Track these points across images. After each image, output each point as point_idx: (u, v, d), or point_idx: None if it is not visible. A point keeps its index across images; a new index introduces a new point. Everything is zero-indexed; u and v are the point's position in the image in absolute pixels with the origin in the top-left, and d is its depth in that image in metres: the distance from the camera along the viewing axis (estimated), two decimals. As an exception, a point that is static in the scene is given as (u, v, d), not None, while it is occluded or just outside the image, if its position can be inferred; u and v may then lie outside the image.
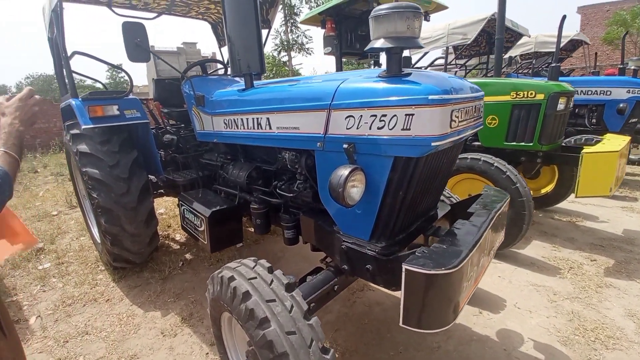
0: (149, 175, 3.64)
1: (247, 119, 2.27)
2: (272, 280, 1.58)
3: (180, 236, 4.58)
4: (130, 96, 3.36)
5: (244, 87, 2.41)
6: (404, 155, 1.51)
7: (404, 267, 1.35)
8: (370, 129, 1.55)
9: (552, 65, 4.01)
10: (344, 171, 1.49)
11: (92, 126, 3.02)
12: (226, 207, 2.58)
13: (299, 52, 23.34)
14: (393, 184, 1.62)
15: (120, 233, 3.10)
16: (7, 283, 3.56)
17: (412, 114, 1.41)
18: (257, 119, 2.18)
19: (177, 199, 3.61)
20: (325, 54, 6.01)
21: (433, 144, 1.40)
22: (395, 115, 1.46)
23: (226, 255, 3.89)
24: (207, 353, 2.50)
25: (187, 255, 4.00)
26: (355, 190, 1.55)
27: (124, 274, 3.60)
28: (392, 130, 1.48)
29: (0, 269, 3.85)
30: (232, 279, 1.62)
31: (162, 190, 3.93)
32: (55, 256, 4.14)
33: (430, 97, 1.36)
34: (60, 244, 4.55)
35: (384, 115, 1.49)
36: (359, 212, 1.78)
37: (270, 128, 2.10)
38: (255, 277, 1.58)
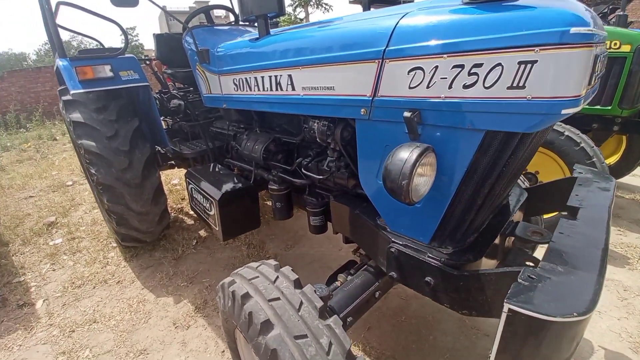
0: (156, 147, 3.24)
1: (262, 77, 1.74)
2: (300, 303, 1.15)
3: (194, 211, 4.26)
4: (127, 55, 2.86)
5: (257, 36, 1.85)
6: (504, 129, 0.98)
7: (507, 306, 0.88)
8: (450, 87, 1.01)
9: (620, 13, 3.19)
10: (411, 154, 0.98)
11: (82, 91, 2.57)
12: (239, 187, 2.14)
13: (316, 8, 21.60)
14: (478, 170, 1.11)
15: (125, 212, 2.76)
16: (16, 261, 3.39)
17: (533, 62, 0.85)
18: (276, 77, 1.65)
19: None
20: (350, 2, 5.17)
21: (564, 111, 0.86)
22: (498, 65, 0.90)
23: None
24: (223, 351, 2.20)
25: (201, 233, 3.69)
26: (424, 181, 1.04)
27: (135, 252, 3.34)
28: (489, 90, 0.94)
29: (9, 246, 3.69)
30: (246, 297, 1.20)
31: (172, 162, 3.54)
32: (67, 231, 3.93)
33: (572, 30, 0.80)
34: (73, 217, 4.35)
35: (478, 66, 0.94)
36: (419, 206, 1.29)
37: (292, 89, 1.58)
38: (278, 299, 1.16)
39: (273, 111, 1.83)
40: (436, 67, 1.02)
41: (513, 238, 1.48)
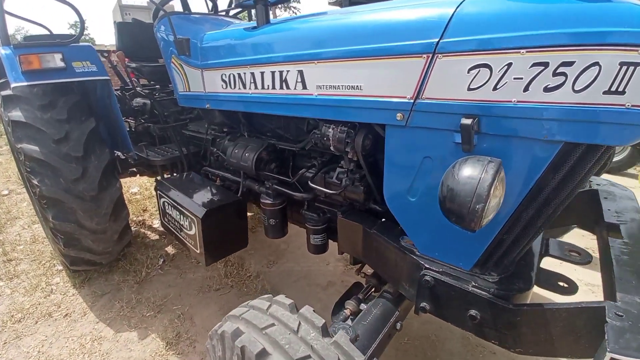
0: (117, 152, 2.78)
1: (262, 73, 1.47)
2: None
3: (159, 224, 3.78)
4: (82, 43, 2.41)
5: (252, 25, 1.58)
6: (591, 140, 0.82)
7: (611, 355, 0.71)
8: (526, 90, 0.83)
9: None
10: (484, 171, 0.79)
11: (25, 84, 2.11)
12: (226, 202, 1.84)
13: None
14: (544, 189, 0.94)
15: (76, 231, 2.30)
16: None
17: (636, 64, 0.70)
18: (281, 73, 1.40)
19: (155, 177, 2.81)
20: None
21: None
22: (595, 65, 0.74)
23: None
24: (206, 397, 1.85)
25: (169, 249, 3.25)
26: (495, 204, 0.85)
27: (87, 276, 2.83)
28: (580, 94, 0.77)
29: None
30: (263, 355, 0.92)
31: (134, 169, 3.08)
32: (2, 251, 3.27)
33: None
34: (8, 233, 3.66)
35: (567, 64, 0.77)
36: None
37: (303, 88, 1.33)
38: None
39: (273, 113, 1.57)
40: (509, 64, 0.84)
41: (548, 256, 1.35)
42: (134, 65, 2.95)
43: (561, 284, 1.25)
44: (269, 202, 1.83)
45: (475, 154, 0.92)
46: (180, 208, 1.87)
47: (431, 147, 1.08)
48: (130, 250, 3.13)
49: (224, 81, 1.70)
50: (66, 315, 2.46)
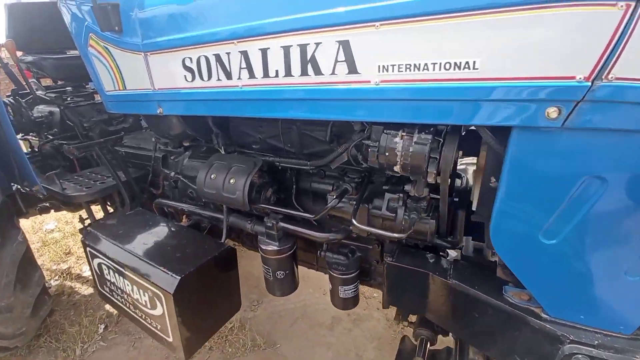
0: (14, 185, 1.92)
1: (266, 51, 0.88)
2: None
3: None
4: None
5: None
6: None
7: None
8: None
9: None
10: None
11: None
12: (209, 257, 1.21)
13: None
14: None
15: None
16: None
17: None
18: (304, 49, 0.82)
19: (77, 214, 2.00)
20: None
21: None
22: None
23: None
24: None
25: (110, 308, 2.43)
26: None
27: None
28: None
29: None
30: None
31: (46, 204, 2.21)
32: None
33: None
34: None
35: None
36: (632, 278, 0.69)
37: (352, 71, 0.78)
38: None
39: (287, 117, 0.98)
40: None
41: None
42: (30, 59, 2.08)
43: None
44: (275, 248, 1.24)
45: None
46: (131, 275, 1.19)
47: (606, 161, 0.63)
48: (55, 319, 2.25)
49: (189, 69, 1.06)
50: None
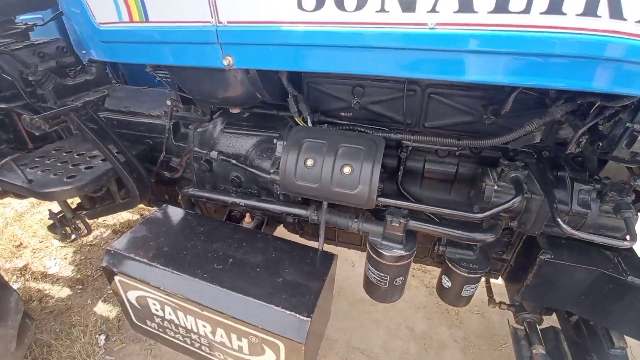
0: None
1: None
2: None
3: (54, 262, 2.29)
4: None
5: None
6: None
7: None
8: None
9: None
10: None
11: None
12: (324, 278, 0.86)
13: None
14: None
15: None
16: None
17: None
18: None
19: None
20: None
21: None
22: None
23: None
24: None
25: (104, 308, 1.98)
26: None
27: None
28: None
29: None
30: None
31: None
32: None
33: None
34: None
35: None
36: None
37: None
38: None
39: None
40: None
41: None
42: None
43: None
44: (401, 253, 0.93)
45: None
46: (215, 317, 0.80)
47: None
48: (40, 339, 1.74)
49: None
50: None
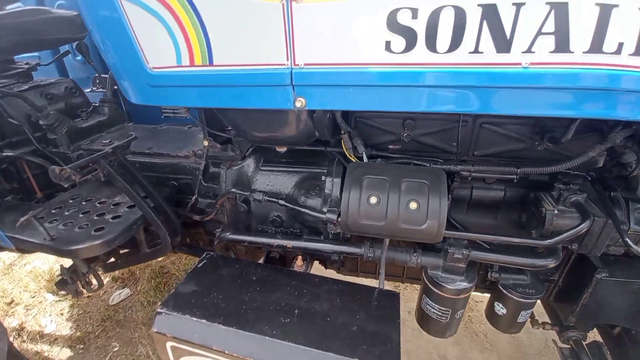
0: None
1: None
2: None
3: (54, 326, 2.09)
4: None
5: None
6: None
7: None
8: None
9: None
10: None
11: None
12: (397, 321, 0.82)
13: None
14: None
15: None
16: None
17: None
18: None
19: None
20: None
21: None
22: None
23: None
24: None
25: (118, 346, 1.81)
26: None
27: None
28: None
29: None
30: None
31: None
32: None
33: None
34: None
35: None
36: None
37: None
38: None
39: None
40: None
41: None
42: None
43: None
44: (465, 285, 0.91)
45: None
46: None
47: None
48: None
49: (402, 30, 0.60)
50: None
